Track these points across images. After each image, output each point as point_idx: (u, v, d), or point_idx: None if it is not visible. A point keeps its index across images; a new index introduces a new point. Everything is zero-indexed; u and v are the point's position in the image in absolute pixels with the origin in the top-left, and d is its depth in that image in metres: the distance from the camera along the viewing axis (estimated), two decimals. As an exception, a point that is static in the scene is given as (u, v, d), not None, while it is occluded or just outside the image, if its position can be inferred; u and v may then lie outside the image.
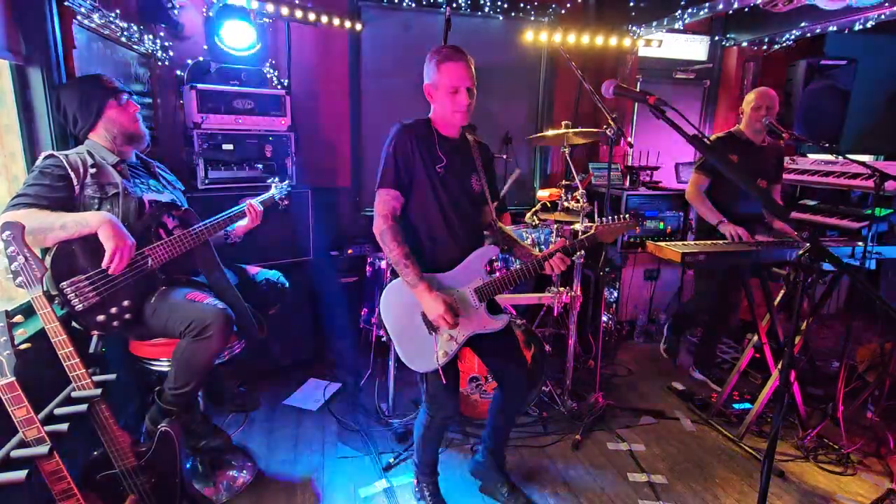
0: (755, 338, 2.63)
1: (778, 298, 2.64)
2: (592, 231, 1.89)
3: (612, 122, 2.38)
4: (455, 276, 1.82)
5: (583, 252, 2.79)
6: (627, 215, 1.89)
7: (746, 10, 3.56)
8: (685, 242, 2.50)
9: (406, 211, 1.82)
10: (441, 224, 1.82)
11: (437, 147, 1.81)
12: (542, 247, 2.97)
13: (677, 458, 2.43)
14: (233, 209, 2.08)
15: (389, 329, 1.82)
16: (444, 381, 1.80)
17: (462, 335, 1.81)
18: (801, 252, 1.34)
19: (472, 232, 1.91)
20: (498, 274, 1.84)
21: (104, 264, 1.62)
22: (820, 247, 1.31)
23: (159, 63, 2.94)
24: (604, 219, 1.89)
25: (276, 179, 2.40)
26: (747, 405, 2.77)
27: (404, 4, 3.64)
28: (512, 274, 1.83)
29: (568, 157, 2.78)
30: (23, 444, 1.25)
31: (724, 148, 2.82)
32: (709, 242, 2.53)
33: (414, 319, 1.79)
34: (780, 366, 2.49)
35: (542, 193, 3.24)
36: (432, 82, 1.77)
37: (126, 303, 1.72)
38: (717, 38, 4.27)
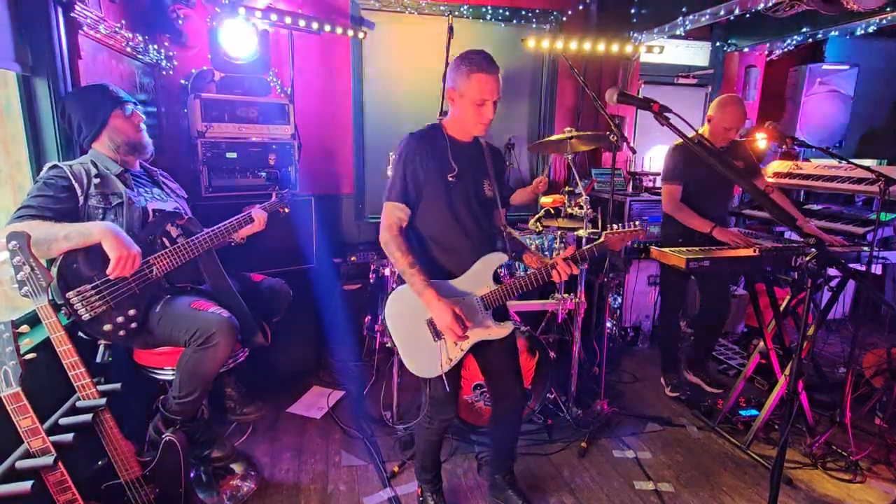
0: (761, 344, 2.61)
1: (784, 304, 2.62)
2: (602, 240, 1.84)
3: (614, 129, 2.38)
4: (462, 284, 1.81)
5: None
6: (637, 223, 1.84)
7: (748, 15, 3.56)
8: (689, 248, 2.49)
9: (416, 221, 1.82)
10: (454, 231, 1.82)
11: (450, 154, 1.79)
12: (546, 252, 2.96)
13: (684, 466, 2.41)
14: (236, 217, 2.09)
15: (394, 335, 1.81)
16: (447, 389, 1.79)
17: (467, 343, 1.80)
18: (808, 258, 1.32)
19: (487, 236, 1.91)
20: (505, 282, 1.83)
21: (108, 273, 1.63)
22: (826, 252, 1.30)
23: (164, 73, 2.96)
24: (613, 226, 1.85)
25: (278, 188, 2.41)
26: (754, 412, 2.75)
27: (407, 12, 3.66)
28: (518, 281, 1.81)
29: (571, 164, 2.78)
30: (28, 455, 1.25)
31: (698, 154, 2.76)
32: (710, 247, 2.52)
33: (419, 326, 1.78)
34: (786, 372, 2.47)
35: (545, 200, 3.23)
36: (458, 89, 1.72)
37: (131, 312, 1.72)
38: (718, 43, 4.27)
